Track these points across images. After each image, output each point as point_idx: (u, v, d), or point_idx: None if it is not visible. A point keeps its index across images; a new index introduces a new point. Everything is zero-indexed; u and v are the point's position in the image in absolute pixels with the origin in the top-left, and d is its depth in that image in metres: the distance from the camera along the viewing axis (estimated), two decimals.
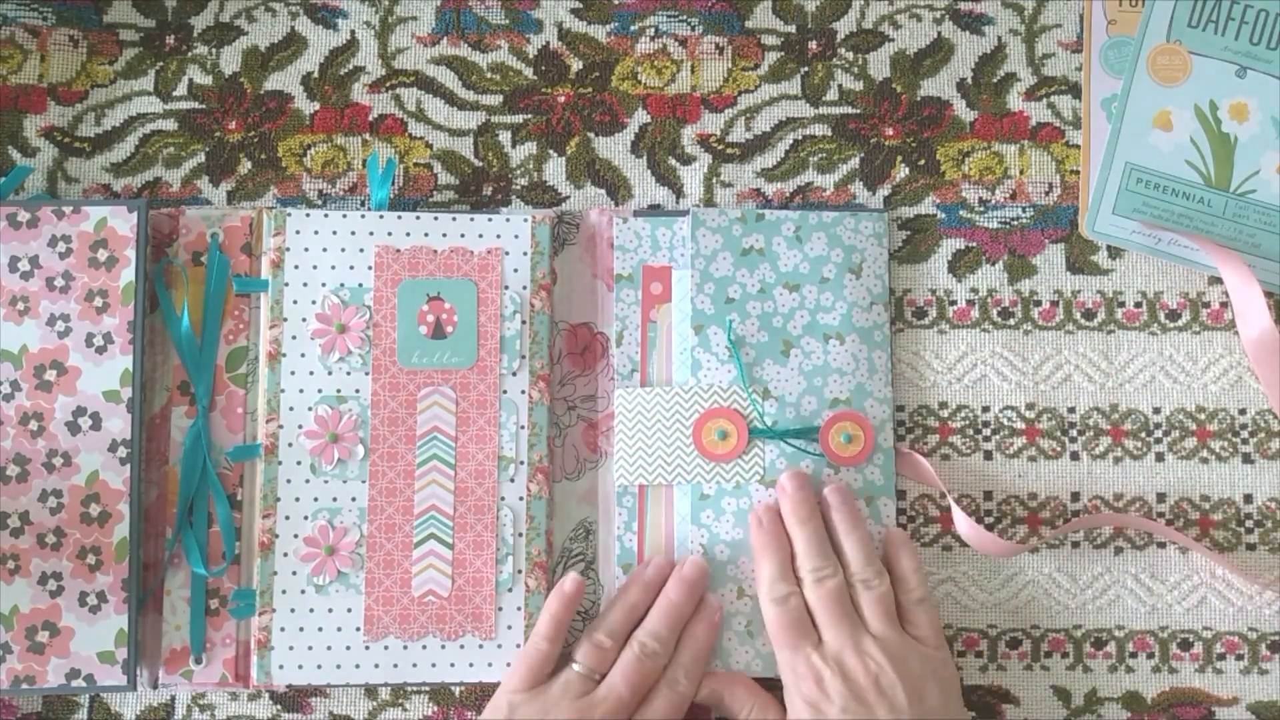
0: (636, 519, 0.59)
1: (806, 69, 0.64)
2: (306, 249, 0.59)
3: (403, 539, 0.58)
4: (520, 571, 0.58)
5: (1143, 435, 0.62)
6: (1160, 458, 0.61)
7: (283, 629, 0.57)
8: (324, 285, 0.59)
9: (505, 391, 0.59)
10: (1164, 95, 0.63)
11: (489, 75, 0.64)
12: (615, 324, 0.61)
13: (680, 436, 0.59)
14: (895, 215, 0.63)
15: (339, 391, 0.58)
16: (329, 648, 0.57)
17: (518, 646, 0.57)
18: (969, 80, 0.64)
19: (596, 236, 0.62)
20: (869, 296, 0.61)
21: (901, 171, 0.63)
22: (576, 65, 0.64)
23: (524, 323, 0.60)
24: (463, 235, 0.60)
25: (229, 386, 0.59)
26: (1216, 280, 0.63)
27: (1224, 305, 0.63)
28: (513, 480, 0.58)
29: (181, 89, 0.63)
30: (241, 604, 0.57)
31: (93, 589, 0.56)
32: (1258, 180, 0.63)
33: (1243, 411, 0.62)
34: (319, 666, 0.57)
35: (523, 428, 0.59)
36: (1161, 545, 0.61)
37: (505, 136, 0.63)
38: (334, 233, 0.59)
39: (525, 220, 0.60)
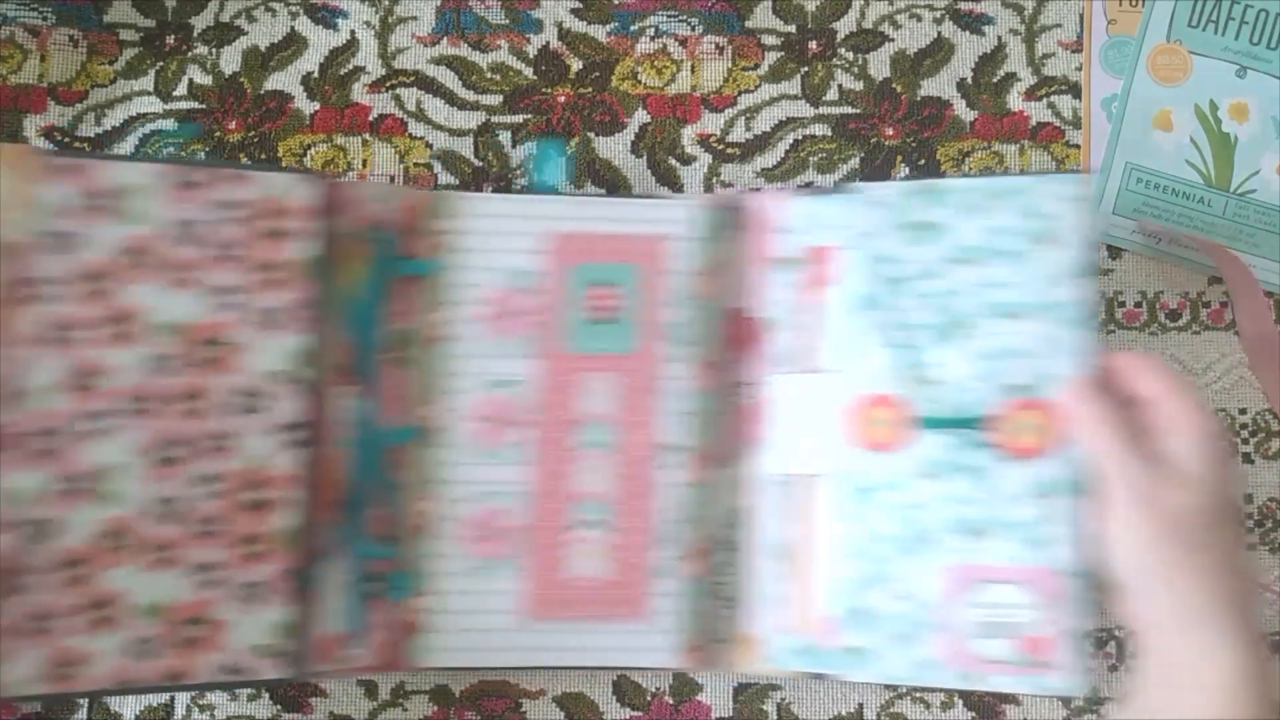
0: (790, 508, 0.57)
1: (806, 69, 0.64)
2: (475, 232, 0.58)
3: (562, 523, 0.57)
4: (677, 558, 0.58)
5: None
6: None
7: (441, 612, 0.56)
8: (490, 269, 0.58)
9: (667, 377, 0.58)
10: (1164, 95, 0.63)
11: (489, 75, 0.64)
12: (774, 308, 0.59)
13: (838, 425, 0.56)
14: None
15: (503, 375, 0.58)
16: (486, 631, 0.57)
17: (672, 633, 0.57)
18: (969, 80, 0.64)
19: (757, 219, 0.59)
20: (1063, 269, 0.53)
21: (902, 171, 0.63)
22: (576, 65, 0.64)
23: (687, 309, 0.59)
24: (631, 220, 0.59)
25: (393, 368, 0.57)
26: (1216, 280, 0.63)
27: (1224, 305, 0.63)
28: (672, 466, 0.58)
29: (181, 89, 0.63)
30: (400, 587, 0.56)
31: (251, 579, 0.53)
32: (1258, 180, 0.63)
33: (1243, 411, 0.62)
34: (476, 650, 0.57)
35: (684, 414, 0.58)
36: None
37: (505, 136, 0.63)
38: (503, 217, 0.59)
39: (692, 206, 0.59)
